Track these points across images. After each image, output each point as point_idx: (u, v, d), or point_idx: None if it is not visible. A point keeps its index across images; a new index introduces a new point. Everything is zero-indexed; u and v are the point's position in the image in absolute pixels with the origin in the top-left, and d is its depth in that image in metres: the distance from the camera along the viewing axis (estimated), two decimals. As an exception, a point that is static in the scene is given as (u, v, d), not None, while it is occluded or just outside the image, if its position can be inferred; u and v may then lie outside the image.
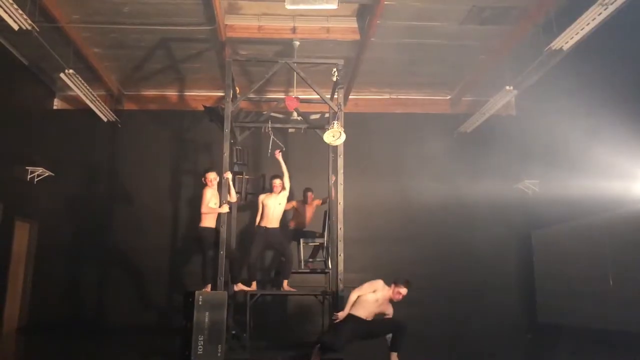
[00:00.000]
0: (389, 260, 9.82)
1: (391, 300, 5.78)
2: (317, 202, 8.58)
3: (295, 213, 8.64)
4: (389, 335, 5.65)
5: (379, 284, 5.76)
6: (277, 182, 7.32)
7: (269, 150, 7.76)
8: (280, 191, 7.32)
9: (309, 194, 8.48)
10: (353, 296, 5.69)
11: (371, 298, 5.69)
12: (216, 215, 6.91)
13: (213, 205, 6.85)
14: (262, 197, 7.45)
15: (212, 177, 6.91)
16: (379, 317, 5.82)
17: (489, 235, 9.98)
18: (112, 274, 9.85)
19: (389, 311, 5.85)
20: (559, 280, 8.88)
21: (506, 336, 9.15)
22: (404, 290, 5.65)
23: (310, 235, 8.22)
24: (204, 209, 6.84)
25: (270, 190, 7.45)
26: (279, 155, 7.48)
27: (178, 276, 9.71)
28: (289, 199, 7.98)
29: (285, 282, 7.28)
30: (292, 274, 7.52)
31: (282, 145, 7.81)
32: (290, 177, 7.42)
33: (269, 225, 7.27)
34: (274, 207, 7.29)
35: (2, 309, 8.56)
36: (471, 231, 9.99)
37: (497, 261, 9.97)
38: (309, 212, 8.50)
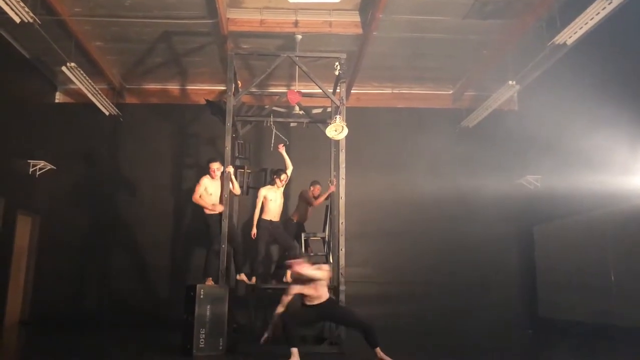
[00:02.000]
0: (390, 254, 9.86)
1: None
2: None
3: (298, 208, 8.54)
4: None
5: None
6: (283, 177, 7.30)
7: (272, 145, 7.74)
8: (283, 186, 7.33)
9: (316, 187, 8.11)
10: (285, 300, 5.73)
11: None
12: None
13: (207, 196, 6.84)
14: (264, 191, 7.32)
15: (216, 167, 6.89)
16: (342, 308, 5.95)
17: (491, 230, 9.95)
18: (114, 267, 9.88)
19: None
20: (561, 275, 8.87)
21: (507, 331, 9.16)
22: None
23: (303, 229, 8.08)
24: (195, 198, 6.83)
25: (270, 183, 7.43)
26: (282, 149, 7.49)
27: (180, 269, 9.72)
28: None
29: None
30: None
31: (286, 139, 7.79)
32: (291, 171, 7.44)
33: (273, 219, 7.28)
34: (277, 201, 7.29)
35: (5, 303, 8.60)
36: (473, 226, 9.95)
37: (499, 256, 9.97)
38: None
